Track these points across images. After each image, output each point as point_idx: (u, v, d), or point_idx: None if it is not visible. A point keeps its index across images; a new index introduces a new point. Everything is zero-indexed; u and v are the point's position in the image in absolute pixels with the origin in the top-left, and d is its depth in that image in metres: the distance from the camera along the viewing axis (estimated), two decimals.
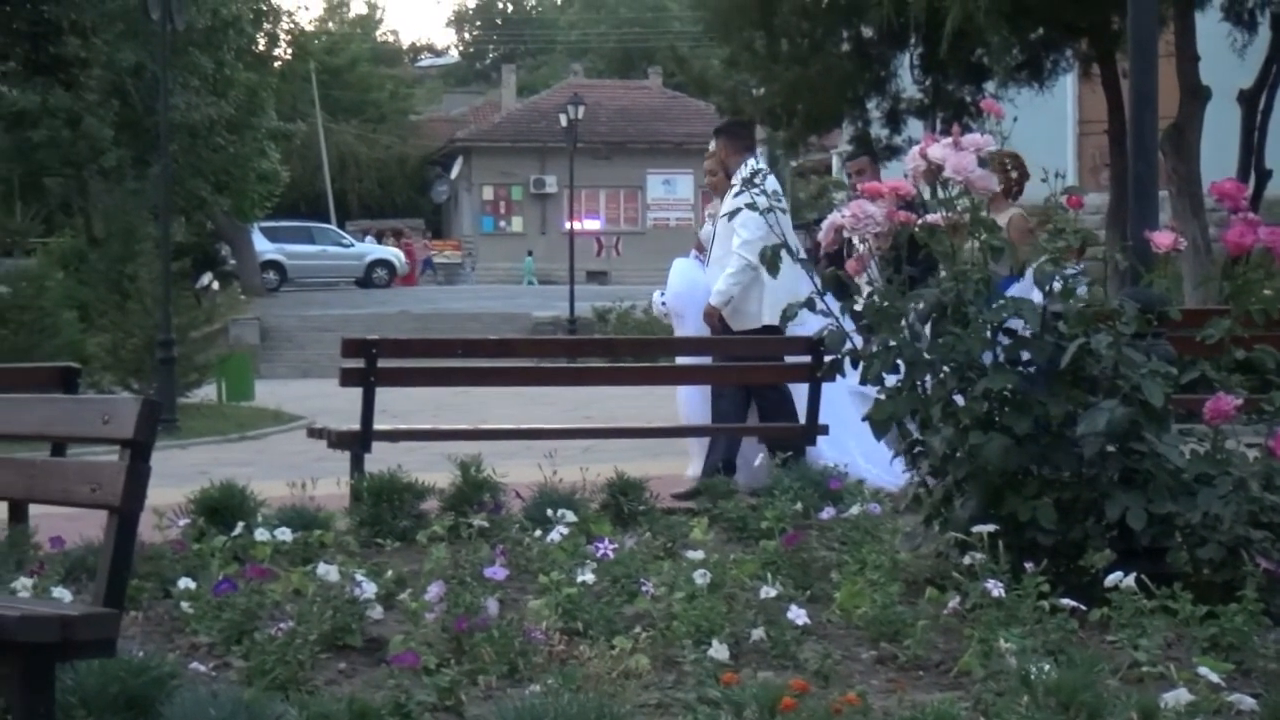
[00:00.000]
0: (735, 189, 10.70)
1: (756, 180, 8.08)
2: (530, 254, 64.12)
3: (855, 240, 7.33)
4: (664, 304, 11.96)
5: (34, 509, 8.17)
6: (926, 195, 7.28)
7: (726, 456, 11.17)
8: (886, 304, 7.19)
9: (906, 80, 25.60)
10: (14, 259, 25.71)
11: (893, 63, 25.40)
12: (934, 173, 7.12)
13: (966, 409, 6.96)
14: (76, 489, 4.68)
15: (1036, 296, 7.32)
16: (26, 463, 5.05)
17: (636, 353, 12.27)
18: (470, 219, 70.00)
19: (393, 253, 62.02)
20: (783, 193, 10.13)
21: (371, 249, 62.17)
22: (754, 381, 11.33)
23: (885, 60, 25.30)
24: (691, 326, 11.62)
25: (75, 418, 4.97)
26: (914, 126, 25.59)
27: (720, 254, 11.38)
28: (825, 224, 7.45)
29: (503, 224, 69.76)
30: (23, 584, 6.53)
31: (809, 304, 7.55)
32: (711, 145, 12.03)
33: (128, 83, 36.65)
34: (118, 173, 36.77)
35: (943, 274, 7.43)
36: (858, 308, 7.49)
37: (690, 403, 11.86)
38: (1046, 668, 5.12)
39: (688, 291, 11.67)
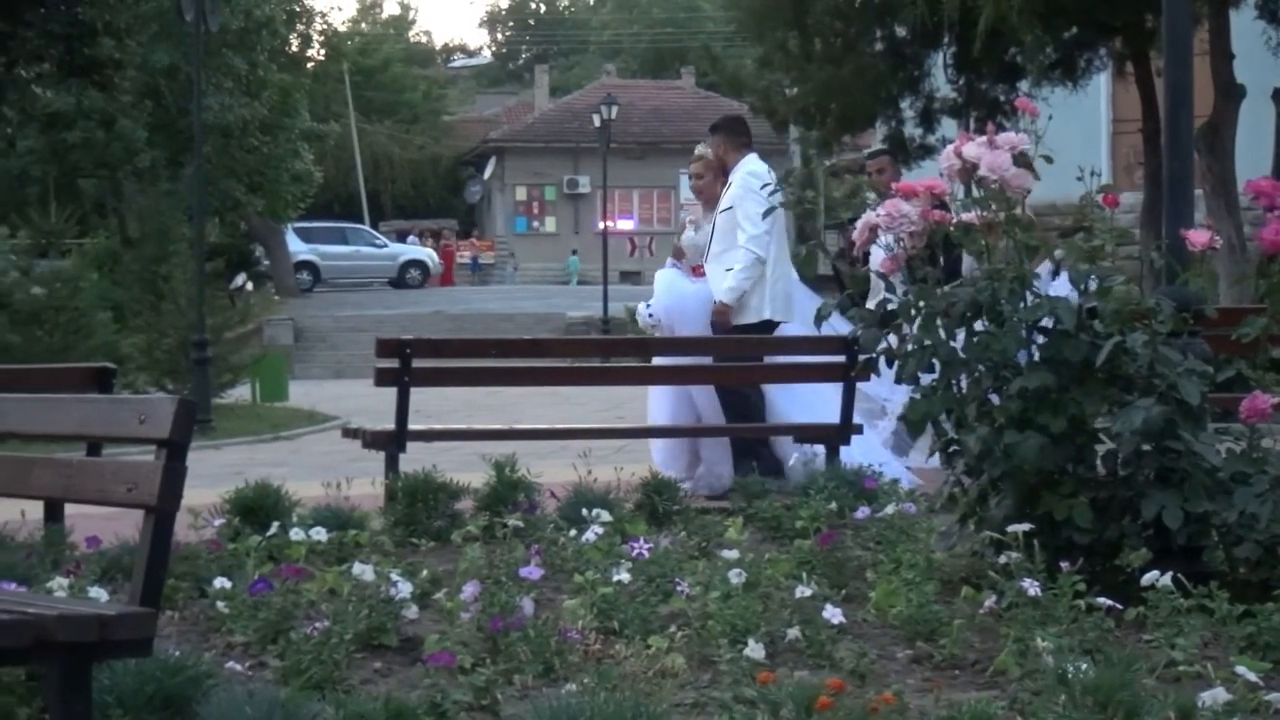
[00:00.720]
0: (758, 186, 10.76)
1: (770, 181, 8.10)
2: (575, 253, 64.17)
3: (891, 239, 7.29)
4: (650, 315, 11.70)
5: (70, 509, 8.20)
6: (960, 194, 7.26)
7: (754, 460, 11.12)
8: (923, 303, 7.17)
9: (940, 79, 25.59)
10: (49, 260, 25.71)
11: (926, 62, 25.40)
12: (969, 171, 7.10)
13: (1001, 408, 6.94)
14: (113, 489, 4.67)
15: (1053, 291, 7.30)
16: (63, 462, 5.05)
17: (669, 352, 12.21)
18: (503, 219, 70.09)
19: (426, 253, 62.15)
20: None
21: (405, 249, 62.31)
22: (789, 381, 11.29)
23: (919, 59, 25.30)
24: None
25: (111, 418, 4.96)
26: (948, 126, 25.57)
27: (720, 250, 11.29)
28: (859, 223, 7.43)
29: (536, 224, 69.86)
30: (59, 583, 6.54)
31: (842, 305, 7.55)
32: (698, 149, 11.86)
33: (161, 84, 36.81)
34: (152, 174, 36.90)
35: (974, 273, 7.41)
36: (890, 307, 7.45)
37: (659, 407, 11.75)
38: (1083, 667, 5.10)
39: (678, 304, 11.44)
